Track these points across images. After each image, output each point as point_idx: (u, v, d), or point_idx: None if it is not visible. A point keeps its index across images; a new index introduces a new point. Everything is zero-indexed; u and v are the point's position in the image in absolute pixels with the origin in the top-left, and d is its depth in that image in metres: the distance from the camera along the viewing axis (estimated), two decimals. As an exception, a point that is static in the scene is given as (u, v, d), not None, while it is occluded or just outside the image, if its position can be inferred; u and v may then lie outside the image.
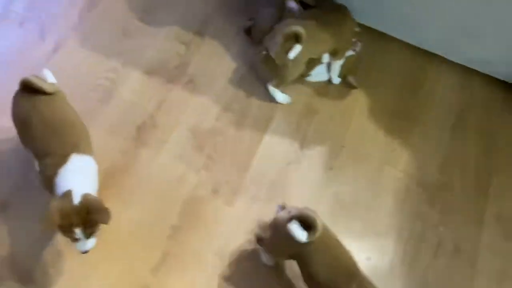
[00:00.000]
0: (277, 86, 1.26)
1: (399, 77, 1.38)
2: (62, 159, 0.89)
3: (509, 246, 1.16)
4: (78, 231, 0.84)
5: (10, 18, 1.32)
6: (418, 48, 1.40)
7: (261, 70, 1.29)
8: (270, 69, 1.24)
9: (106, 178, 1.09)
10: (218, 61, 1.33)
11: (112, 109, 1.22)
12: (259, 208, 1.13)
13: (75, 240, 0.87)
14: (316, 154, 1.23)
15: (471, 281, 1.10)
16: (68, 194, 0.84)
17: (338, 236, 0.91)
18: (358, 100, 1.33)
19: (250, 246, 1.06)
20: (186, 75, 1.29)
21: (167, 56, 1.31)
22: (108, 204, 0.87)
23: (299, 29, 1.11)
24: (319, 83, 1.34)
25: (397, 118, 1.31)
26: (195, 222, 1.10)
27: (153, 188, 1.13)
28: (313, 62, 1.26)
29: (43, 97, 0.94)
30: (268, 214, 1.06)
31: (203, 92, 1.27)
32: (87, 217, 0.84)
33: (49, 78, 1.01)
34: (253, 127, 1.25)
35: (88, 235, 0.86)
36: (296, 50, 1.13)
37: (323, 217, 0.89)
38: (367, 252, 1.10)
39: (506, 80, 1.36)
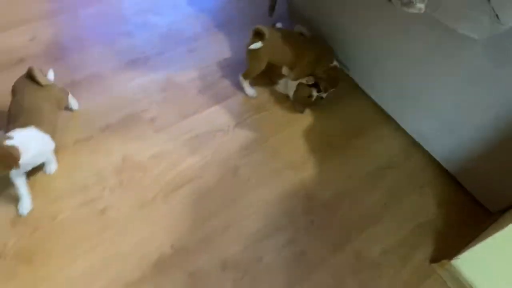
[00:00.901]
0: (244, 77, 1.55)
1: (352, 120, 1.56)
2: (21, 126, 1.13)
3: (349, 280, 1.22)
4: None
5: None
6: (380, 107, 1.57)
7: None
8: (246, 62, 1.54)
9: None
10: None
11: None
12: (177, 148, 1.40)
13: None
14: (242, 136, 1.46)
15: (301, 283, 1.19)
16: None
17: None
18: (305, 118, 1.54)
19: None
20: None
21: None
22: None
23: (262, 28, 1.40)
24: (283, 94, 1.59)
25: (327, 145, 1.48)
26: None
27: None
28: (279, 73, 1.53)
29: (35, 85, 1.22)
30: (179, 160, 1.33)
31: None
32: None
33: (50, 75, 1.30)
34: (211, 96, 1.55)
35: None
36: (255, 45, 1.41)
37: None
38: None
39: (441, 162, 1.44)
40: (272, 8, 1.66)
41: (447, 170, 1.42)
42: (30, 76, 1.22)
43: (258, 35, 1.41)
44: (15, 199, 1.20)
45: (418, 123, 1.44)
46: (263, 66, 1.49)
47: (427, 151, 1.46)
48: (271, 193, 1.35)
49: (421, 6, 1.06)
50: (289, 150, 1.45)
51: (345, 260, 1.25)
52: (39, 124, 1.17)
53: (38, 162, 1.22)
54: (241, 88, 1.58)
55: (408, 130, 1.49)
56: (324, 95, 1.51)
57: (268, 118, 1.52)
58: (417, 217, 1.35)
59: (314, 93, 1.49)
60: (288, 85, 1.55)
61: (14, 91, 1.23)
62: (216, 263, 1.19)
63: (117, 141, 1.39)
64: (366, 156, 1.47)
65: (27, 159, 1.11)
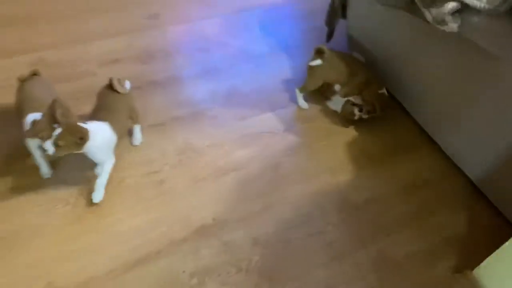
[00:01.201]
0: (300, 90, 1.74)
1: (394, 138, 1.67)
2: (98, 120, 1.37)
3: None
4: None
5: None
6: (423, 128, 1.67)
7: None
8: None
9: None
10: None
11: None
12: (230, 141, 1.61)
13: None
14: (288, 139, 1.64)
15: (321, 267, 1.30)
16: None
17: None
18: (349, 133, 1.68)
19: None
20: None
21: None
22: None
23: (323, 47, 1.60)
24: (332, 110, 1.76)
25: (366, 158, 1.60)
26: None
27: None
28: (332, 90, 1.71)
29: (115, 92, 1.43)
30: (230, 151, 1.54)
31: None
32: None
33: (126, 85, 1.48)
34: (267, 104, 1.76)
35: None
36: (315, 62, 1.61)
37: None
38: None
39: (476, 183, 1.49)
40: (330, 35, 1.87)
41: (481, 191, 1.47)
42: (110, 85, 1.44)
43: (319, 53, 1.62)
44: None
45: (457, 144, 1.51)
46: (319, 83, 1.68)
47: (463, 172, 1.52)
48: (307, 190, 1.49)
49: (453, 26, 1.20)
50: (329, 157, 1.59)
51: (368, 257, 1.33)
52: (112, 123, 1.37)
53: (100, 155, 1.36)
54: (295, 101, 1.77)
55: (447, 152, 1.57)
56: (365, 116, 1.64)
57: (314, 128, 1.69)
58: (445, 230, 1.40)
59: (357, 112, 1.63)
60: (337, 101, 1.71)
61: (98, 97, 1.44)
62: (248, 239, 1.34)
63: (183, 130, 1.63)
64: (403, 172, 1.57)
65: (91, 145, 1.29)
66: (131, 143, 1.57)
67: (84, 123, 1.30)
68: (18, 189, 1.42)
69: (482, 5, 1.14)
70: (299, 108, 1.76)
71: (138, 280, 1.24)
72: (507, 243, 1.13)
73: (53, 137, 1.23)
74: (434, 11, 1.21)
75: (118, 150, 1.52)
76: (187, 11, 2.12)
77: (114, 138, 1.38)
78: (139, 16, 2.07)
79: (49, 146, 1.23)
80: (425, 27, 1.35)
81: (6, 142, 1.54)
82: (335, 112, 1.75)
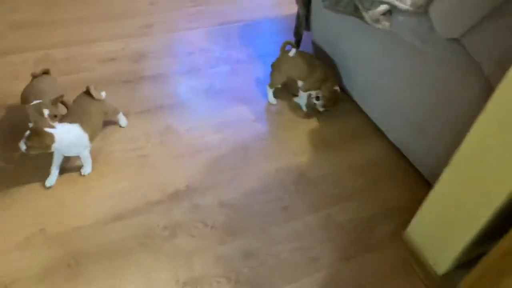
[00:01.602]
0: (270, 86, 2.00)
1: (349, 129, 1.91)
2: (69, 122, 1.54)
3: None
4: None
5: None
6: (372, 120, 1.91)
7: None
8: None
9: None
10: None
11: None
12: (206, 127, 1.86)
13: None
14: (257, 127, 1.88)
15: (276, 225, 1.51)
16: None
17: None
18: (311, 124, 1.92)
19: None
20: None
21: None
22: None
23: (290, 41, 1.88)
24: (298, 104, 2.02)
25: (325, 144, 1.83)
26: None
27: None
28: (297, 86, 1.97)
29: (90, 98, 1.62)
30: (206, 134, 1.79)
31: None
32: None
33: (102, 94, 1.67)
34: (241, 99, 2.01)
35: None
36: (291, 53, 1.87)
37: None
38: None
39: (415, 165, 1.72)
40: (297, 44, 2.16)
41: (419, 171, 1.70)
42: (87, 92, 1.63)
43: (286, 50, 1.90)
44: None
45: (398, 132, 1.76)
46: (284, 79, 1.94)
47: (404, 155, 1.76)
48: (271, 167, 1.72)
49: (386, 24, 1.48)
50: (293, 142, 1.83)
51: (318, 219, 1.55)
52: (83, 125, 1.53)
53: (72, 152, 1.55)
54: (266, 98, 2.03)
55: (391, 139, 1.81)
56: (321, 109, 1.90)
57: (281, 120, 1.94)
58: (387, 202, 1.62)
59: (316, 102, 1.89)
60: (302, 97, 1.98)
61: (74, 102, 1.61)
62: (216, 202, 1.57)
63: (166, 116, 1.88)
64: (355, 155, 1.80)
65: (60, 147, 1.46)
66: (119, 126, 1.81)
67: (53, 127, 1.45)
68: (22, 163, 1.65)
69: (407, 7, 1.41)
70: (269, 103, 2.01)
71: (119, 230, 1.45)
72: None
73: (24, 138, 1.41)
74: (370, 12, 1.49)
75: (108, 129, 1.76)
76: (176, 23, 2.41)
77: (85, 138, 1.54)
78: (135, 25, 2.35)
79: (22, 145, 1.41)
80: (372, 34, 1.63)
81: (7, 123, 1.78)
82: (299, 107, 2.00)
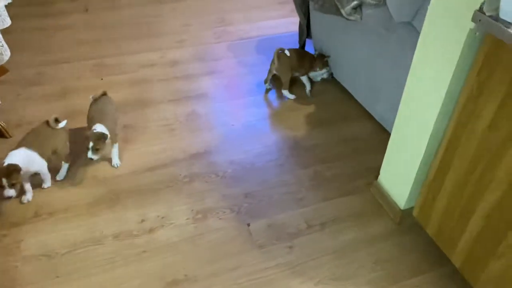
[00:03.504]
0: (285, 88, 2.41)
1: (340, 110, 2.29)
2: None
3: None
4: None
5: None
6: (359, 102, 2.28)
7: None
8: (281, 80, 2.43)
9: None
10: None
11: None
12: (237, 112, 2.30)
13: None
14: (266, 110, 2.31)
15: (273, 179, 1.89)
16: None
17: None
18: (309, 109, 2.32)
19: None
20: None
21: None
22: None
23: (282, 48, 2.33)
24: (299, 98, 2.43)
25: (319, 122, 2.22)
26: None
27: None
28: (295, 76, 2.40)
29: (49, 127, 1.78)
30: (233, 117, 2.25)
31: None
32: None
33: (62, 123, 1.81)
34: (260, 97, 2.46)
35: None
36: (286, 52, 2.31)
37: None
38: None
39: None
40: (302, 49, 2.61)
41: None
42: (46, 122, 1.78)
43: (282, 53, 2.34)
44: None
45: (380, 110, 2.12)
46: (290, 73, 2.36)
47: (385, 129, 2.09)
48: (272, 138, 2.12)
49: (357, 17, 1.90)
50: (292, 121, 2.23)
51: (306, 173, 1.92)
52: (37, 149, 1.70)
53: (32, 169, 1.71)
54: (275, 95, 2.46)
55: (375, 116, 2.17)
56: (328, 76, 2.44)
57: (285, 105, 2.35)
58: (367, 163, 1.96)
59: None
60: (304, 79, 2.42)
61: (35, 127, 1.79)
62: (227, 160, 1.97)
63: (192, 103, 2.34)
64: (344, 130, 2.17)
65: (26, 173, 1.68)
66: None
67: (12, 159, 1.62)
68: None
69: (371, 1, 1.83)
70: (289, 99, 2.40)
71: (149, 177, 1.88)
72: (387, 150, 1.70)
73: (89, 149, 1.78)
74: (345, 8, 1.92)
75: (147, 110, 2.24)
76: (205, 38, 2.93)
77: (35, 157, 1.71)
78: (171, 40, 2.90)
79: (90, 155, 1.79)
80: (352, 29, 2.05)
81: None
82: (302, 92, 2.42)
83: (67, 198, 1.78)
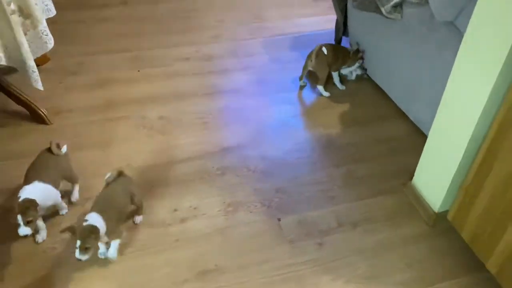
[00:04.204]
0: (318, 84, 2.40)
1: (374, 110, 2.26)
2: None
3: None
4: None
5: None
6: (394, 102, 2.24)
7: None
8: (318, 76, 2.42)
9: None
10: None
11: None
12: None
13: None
14: (301, 107, 2.30)
15: (305, 175, 1.89)
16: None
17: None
18: (343, 107, 2.30)
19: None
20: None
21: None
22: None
23: (319, 46, 2.31)
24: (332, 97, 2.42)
25: (352, 121, 2.20)
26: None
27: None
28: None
29: (50, 153, 1.62)
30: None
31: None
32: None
33: (63, 149, 1.67)
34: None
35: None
36: (323, 50, 2.29)
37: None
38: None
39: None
40: (340, 38, 2.60)
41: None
42: (48, 148, 1.63)
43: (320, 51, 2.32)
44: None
45: (418, 111, 2.08)
46: (327, 69, 2.35)
47: (422, 131, 2.05)
48: (305, 135, 2.12)
49: (398, 15, 1.87)
50: (325, 118, 2.22)
51: (339, 172, 1.91)
52: (45, 180, 1.54)
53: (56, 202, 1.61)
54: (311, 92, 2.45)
55: (410, 117, 2.13)
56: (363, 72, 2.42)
57: (318, 103, 2.34)
58: (401, 164, 1.94)
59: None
60: (335, 76, 2.41)
61: (37, 157, 1.62)
62: (259, 155, 1.98)
63: (224, 98, 2.36)
64: (378, 130, 2.14)
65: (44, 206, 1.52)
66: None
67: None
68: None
69: (414, 0, 1.80)
70: (322, 96, 2.38)
71: (183, 169, 1.92)
72: (423, 152, 1.67)
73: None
74: (385, 7, 1.89)
75: (181, 103, 2.28)
76: (240, 34, 2.95)
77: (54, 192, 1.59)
78: (206, 36, 2.92)
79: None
80: (392, 28, 2.02)
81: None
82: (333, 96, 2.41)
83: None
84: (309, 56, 2.35)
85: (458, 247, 1.58)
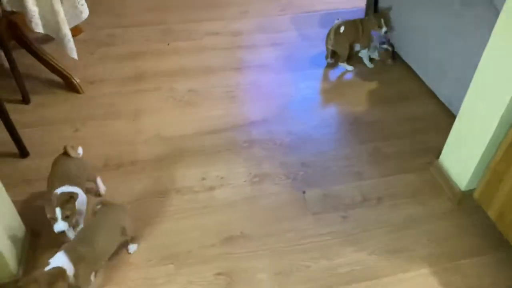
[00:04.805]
0: (342, 60, 2.40)
1: (401, 89, 2.24)
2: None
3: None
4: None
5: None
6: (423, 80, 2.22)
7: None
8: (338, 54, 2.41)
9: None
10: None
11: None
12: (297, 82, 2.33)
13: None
14: (330, 83, 2.31)
15: (330, 150, 1.90)
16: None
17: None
18: (371, 85, 2.29)
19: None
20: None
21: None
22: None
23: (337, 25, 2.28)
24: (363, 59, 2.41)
25: (379, 100, 2.19)
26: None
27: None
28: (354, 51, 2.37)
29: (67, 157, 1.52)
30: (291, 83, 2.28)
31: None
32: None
33: (79, 151, 1.61)
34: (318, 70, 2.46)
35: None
36: (341, 29, 2.26)
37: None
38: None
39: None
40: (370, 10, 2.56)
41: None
42: (64, 154, 1.52)
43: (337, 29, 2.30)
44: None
45: (445, 88, 2.05)
46: (347, 46, 2.33)
47: (449, 110, 2.03)
48: (332, 111, 2.12)
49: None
50: (352, 96, 2.21)
51: (366, 148, 1.92)
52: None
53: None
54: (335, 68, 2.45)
55: (438, 95, 2.11)
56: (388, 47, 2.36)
57: (345, 80, 2.34)
58: (427, 143, 1.93)
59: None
60: (364, 53, 2.39)
61: (55, 164, 1.51)
62: (285, 130, 2.00)
63: (253, 73, 2.38)
64: (407, 109, 2.13)
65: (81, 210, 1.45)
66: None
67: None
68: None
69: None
70: (347, 70, 2.39)
71: (211, 140, 1.96)
72: (451, 131, 1.66)
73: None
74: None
75: (209, 77, 2.31)
76: (268, 11, 2.94)
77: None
78: (235, 11, 2.93)
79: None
80: (429, 5, 1.98)
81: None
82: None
83: (134, 154, 1.89)
84: (328, 35, 2.33)
85: (481, 225, 1.58)
